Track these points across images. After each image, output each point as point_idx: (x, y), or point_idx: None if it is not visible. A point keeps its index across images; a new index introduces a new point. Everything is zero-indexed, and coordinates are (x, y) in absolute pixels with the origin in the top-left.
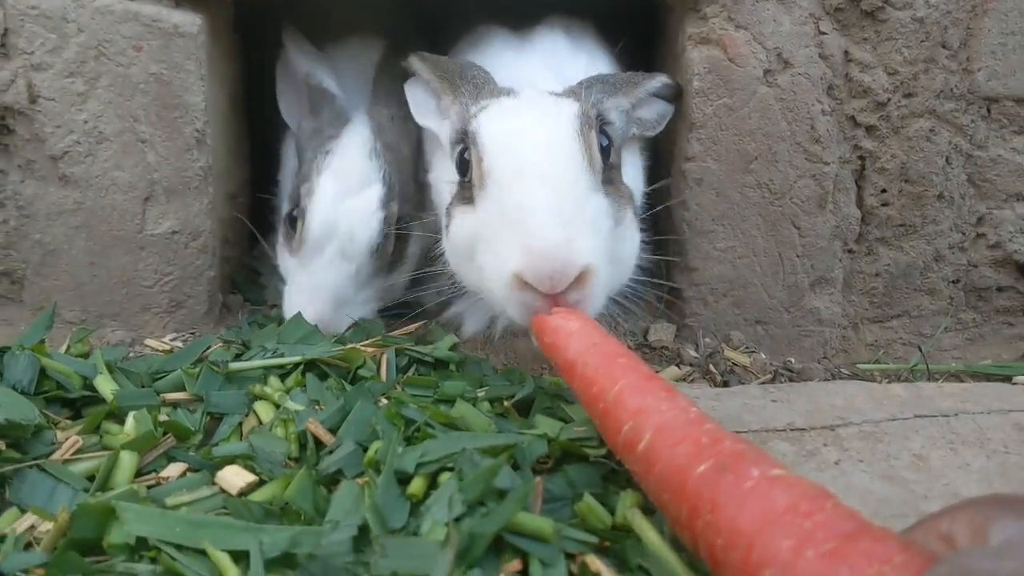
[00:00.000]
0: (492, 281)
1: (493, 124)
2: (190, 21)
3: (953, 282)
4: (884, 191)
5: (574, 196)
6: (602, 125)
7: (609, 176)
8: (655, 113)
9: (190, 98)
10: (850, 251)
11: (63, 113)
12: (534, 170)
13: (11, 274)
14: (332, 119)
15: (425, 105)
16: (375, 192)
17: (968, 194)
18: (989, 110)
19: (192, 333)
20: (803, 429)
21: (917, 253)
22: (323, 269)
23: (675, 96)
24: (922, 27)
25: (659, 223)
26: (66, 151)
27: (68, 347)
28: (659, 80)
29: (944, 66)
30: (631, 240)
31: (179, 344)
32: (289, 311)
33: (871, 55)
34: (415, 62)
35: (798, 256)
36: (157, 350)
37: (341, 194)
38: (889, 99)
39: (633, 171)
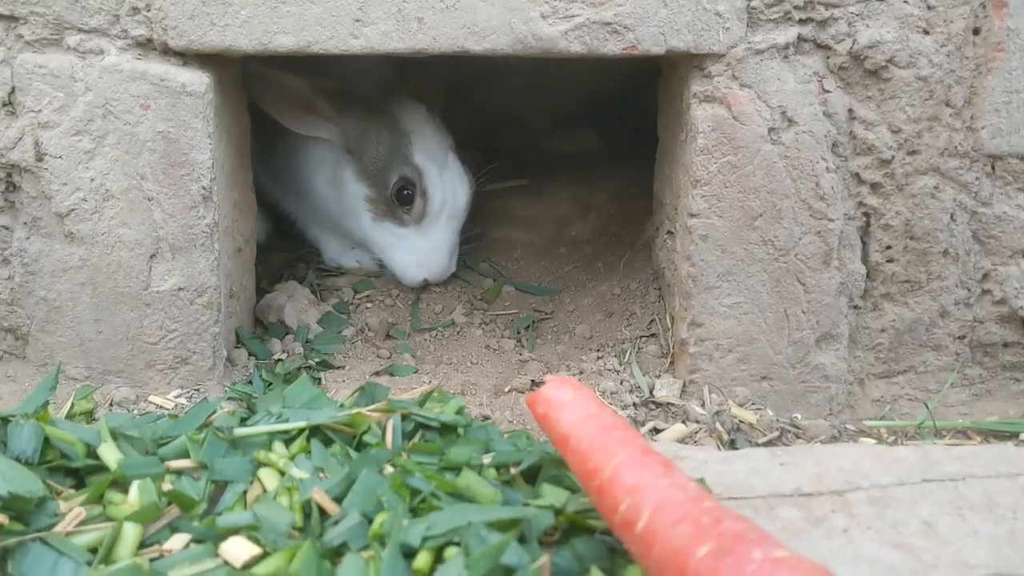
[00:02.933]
0: (408, 276)
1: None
2: (198, 80)
3: (959, 338)
4: (889, 247)
5: None
6: None
7: None
8: None
9: (197, 156)
10: (855, 307)
11: (70, 171)
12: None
13: (16, 330)
14: (368, 115)
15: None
16: (458, 162)
17: (973, 250)
18: (994, 167)
19: (197, 389)
20: (811, 494)
21: (923, 309)
22: (441, 231)
23: None
24: (926, 86)
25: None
26: (72, 208)
27: (72, 404)
28: None
29: (948, 124)
30: None
31: (183, 401)
32: (405, 270)
33: (875, 113)
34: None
35: (803, 312)
36: (161, 407)
37: (441, 168)
38: (893, 156)
39: None
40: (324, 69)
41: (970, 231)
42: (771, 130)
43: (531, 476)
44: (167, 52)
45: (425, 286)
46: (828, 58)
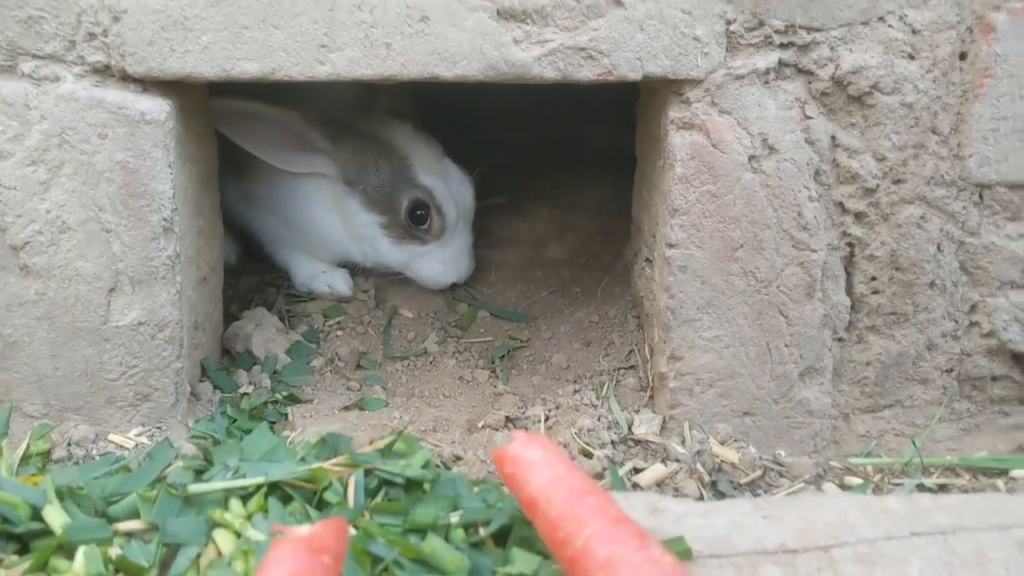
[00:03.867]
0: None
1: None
2: (158, 108)
3: (946, 371)
4: (874, 279)
5: None
6: None
7: None
8: None
9: (157, 186)
10: (840, 340)
11: (24, 202)
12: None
13: None
14: (361, 143)
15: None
16: (454, 166)
17: (961, 282)
18: (981, 196)
19: (158, 427)
20: (795, 551)
21: (909, 342)
22: (461, 237)
23: None
24: (911, 112)
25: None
26: (27, 241)
27: (28, 445)
28: None
29: (934, 152)
30: None
31: (144, 440)
32: (434, 278)
33: (859, 140)
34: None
35: (786, 345)
36: (122, 446)
37: (445, 180)
38: (878, 185)
39: None
40: (291, 96)
41: (957, 262)
42: (751, 158)
43: (501, 536)
44: (126, 79)
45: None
46: (810, 84)
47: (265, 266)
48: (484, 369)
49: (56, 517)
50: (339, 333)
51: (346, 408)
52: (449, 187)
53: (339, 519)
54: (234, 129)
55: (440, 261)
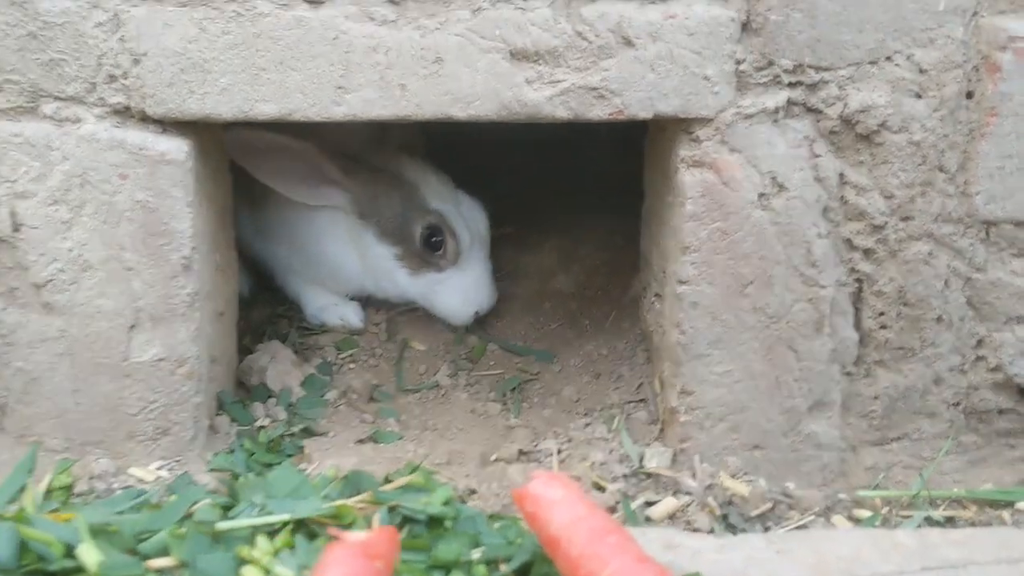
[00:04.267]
0: (459, 315)
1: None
2: (177, 148)
3: (953, 405)
4: (882, 314)
5: None
6: None
7: None
8: None
9: (177, 225)
10: (848, 374)
11: (47, 241)
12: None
13: None
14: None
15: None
16: (466, 196)
17: (967, 317)
18: (988, 233)
19: (178, 460)
20: None
21: (916, 376)
22: (478, 263)
23: None
24: (919, 150)
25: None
26: (50, 279)
27: (51, 481)
28: None
29: (942, 189)
30: None
31: (164, 473)
32: (454, 311)
33: (867, 178)
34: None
35: (795, 380)
36: (142, 480)
37: (456, 206)
38: (886, 222)
39: None
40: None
41: (964, 297)
42: (761, 195)
43: (522, 573)
44: (145, 120)
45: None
46: (819, 122)
47: (276, 298)
48: (496, 402)
49: (90, 555)
50: (352, 366)
51: (361, 441)
52: (461, 212)
53: (391, 528)
54: (249, 160)
55: (460, 290)
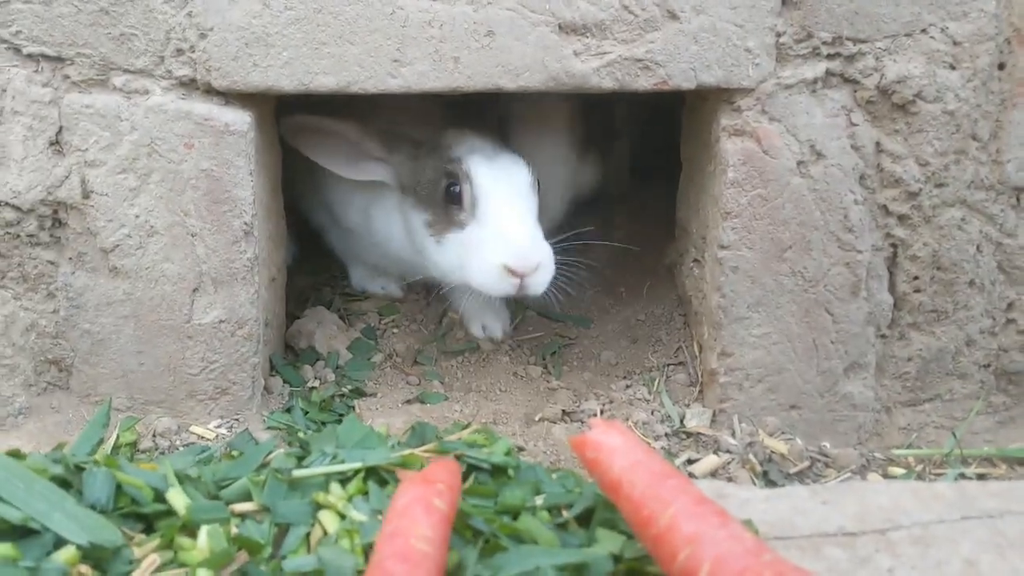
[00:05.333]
0: (485, 274)
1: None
2: (240, 119)
3: (984, 366)
4: (916, 278)
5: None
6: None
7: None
8: None
9: (239, 192)
10: (883, 336)
11: (115, 208)
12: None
13: (59, 362)
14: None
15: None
16: (514, 156)
17: (998, 280)
18: (1019, 199)
19: (236, 419)
20: (854, 534)
21: (949, 338)
22: (507, 212)
23: None
24: (952, 120)
25: (690, 300)
26: (117, 244)
27: (117, 436)
28: None
29: (974, 157)
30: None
31: (223, 431)
32: (483, 272)
33: (902, 146)
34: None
35: (832, 342)
36: (203, 437)
37: (489, 157)
38: (921, 189)
39: None
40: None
41: (995, 261)
42: (800, 163)
43: (583, 519)
44: (210, 92)
45: (523, 296)
46: (856, 92)
47: (320, 266)
48: (536, 365)
49: (179, 499)
50: (395, 331)
51: (408, 402)
52: (493, 163)
53: (450, 460)
54: (301, 141)
55: (483, 246)
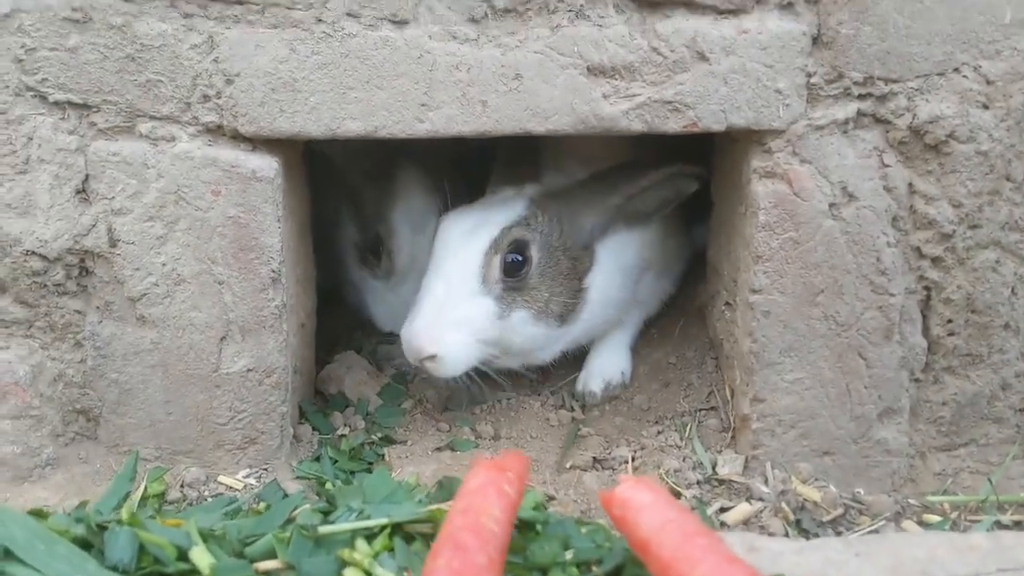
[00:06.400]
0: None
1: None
2: (267, 165)
3: (1020, 410)
4: (950, 321)
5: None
6: (516, 248)
7: (516, 284)
8: (656, 201)
9: (266, 239)
10: (917, 380)
11: (142, 256)
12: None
13: (87, 412)
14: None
15: None
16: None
17: None
18: None
19: (265, 468)
20: None
21: (984, 382)
22: (412, 291)
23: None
24: (986, 160)
25: (721, 345)
26: (144, 293)
27: (145, 488)
28: (665, 170)
29: (1008, 198)
30: (520, 332)
31: (252, 481)
32: (378, 318)
33: (935, 187)
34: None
35: (865, 387)
36: (231, 487)
37: (418, 231)
38: (954, 231)
39: (610, 265)
40: None
41: None
42: (832, 205)
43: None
44: (237, 138)
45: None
46: (888, 132)
47: (349, 308)
48: (567, 411)
49: (203, 558)
50: (425, 376)
51: (439, 449)
52: (417, 240)
53: (520, 453)
54: None
55: (384, 304)
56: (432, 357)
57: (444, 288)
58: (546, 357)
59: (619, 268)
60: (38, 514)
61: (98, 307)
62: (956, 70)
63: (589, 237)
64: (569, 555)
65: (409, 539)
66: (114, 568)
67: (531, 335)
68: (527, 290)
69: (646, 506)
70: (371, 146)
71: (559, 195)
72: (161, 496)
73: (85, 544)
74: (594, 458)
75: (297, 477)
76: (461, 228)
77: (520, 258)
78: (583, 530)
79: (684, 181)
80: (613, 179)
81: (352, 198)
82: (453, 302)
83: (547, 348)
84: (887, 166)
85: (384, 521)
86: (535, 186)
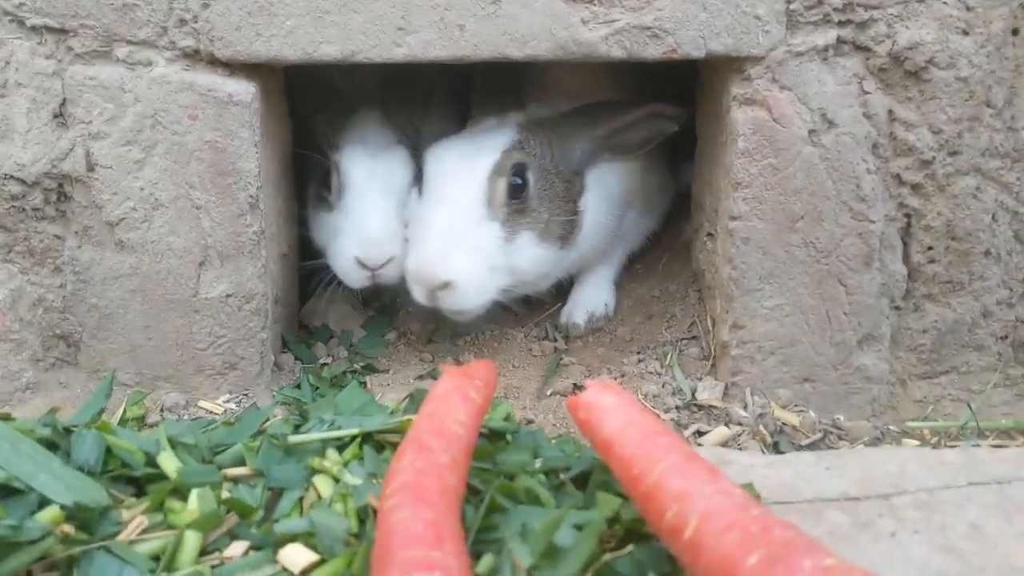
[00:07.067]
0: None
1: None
2: (244, 90)
3: (1001, 338)
4: (930, 248)
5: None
6: (517, 171)
7: (519, 207)
8: (638, 137)
9: (244, 164)
10: (897, 308)
11: (120, 180)
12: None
13: (67, 337)
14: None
15: None
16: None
17: (1015, 250)
18: None
19: (245, 394)
20: (857, 498)
21: (964, 309)
22: (369, 205)
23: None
24: (966, 86)
25: (703, 275)
26: (122, 217)
27: (124, 410)
28: (647, 108)
29: (989, 124)
30: (526, 255)
31: (232, 406)
32: (339, 261)
33: (915, 114)
34: None
35: (845, 314)
36: (211, 412)
37: (373, 151)
38: (934, 157)
39: (597, 192)
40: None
41: (1011, 231)
42: (811, 132)
43: (580, 482)
44: (214, 63)
45: (374, 289)
46: (868, 60)
47: None
48: (550, 341)
49: (170, 463)
50: (410, 309)
51: (420, 377)
52: (375, 158)
53: (489, 361)
54: None
55: (340, 234)
56: (447, 285)
57: (448, 215)
58: (546, 285)
59: (606, 196)
60: (4, 417)
61: (77, 232)
62: None
63: (579, 163)
64: (537, 463)
65: (380, 448)
66: (80, 469)
67: (537, 258)
68: (528, 212)
69: (609, 408)
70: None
71: (545, 123)
72: (141, 419)
73: (51, 445)
74: (575, 384)
75: (278, 403)
76: (457, 155)
77: (520, 181)
78: (553, 441)
79: (665, 122)
80: (597, 112)
81: (319, 134)
82: (460, 229)
83: (550, 274)
84: (867, 93)
85: (355, 431)
86: (519, 114)
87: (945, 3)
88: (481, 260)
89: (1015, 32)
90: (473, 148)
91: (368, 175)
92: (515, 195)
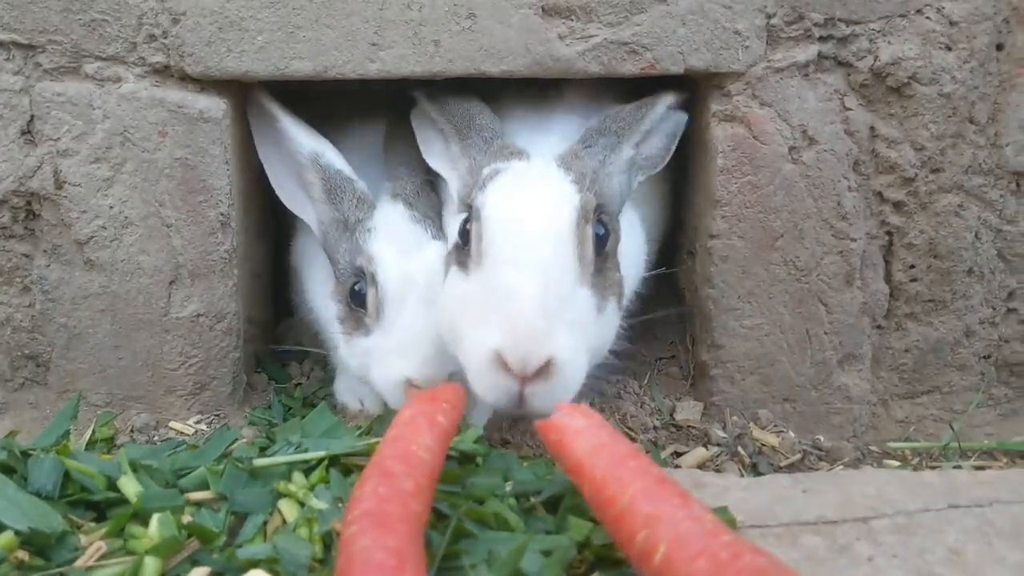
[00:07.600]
0: (471, 354)
1: (498, 208)
2: (215, 106)
3: (984, 357)
4: (912, 267)
5: (559, 290)
6: (600, 215)
7: (601, 266)
8: (662, 142)
9: (215, 182)
10: (879, 327)
11: (88, 198)
12: (530, 261)
13: (36, 357)
14: (355, 206)
15: (432, 146)
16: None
17: (998, 269)
18: (1018, 184)
19: (217, 415)
20: (835, 522)
21: (947, 329)
22: (410, 317)
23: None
24: (949, 102)
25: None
26: (92, 236)
27: (93, 431)
28: (662, 104)
29: (972, 141)
30: (609, 328)
31: (203, 427)
32: (384, 384)
33: (897, 131)
34: (422, 100)
35: (826, 333)
36: (182, 433)
37: (406, 251)
38: (916, 175)
39: (628, 233)
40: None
41: (995, 249)
42: (792, 149)
43: (552, 505)
44: (184, 79)
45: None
46: (849, 75)
47: None
48: None
49: (131, 486)
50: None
51: None
52: (409, 259)
53: (457, 384)
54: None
55: (384, 358)
56: (548, 366)
57: (537, 281)
58: None
59: (633, 236)
60: None
61: (45, 251)
62: (919, 11)
63: (621, 197)
64: (509, 487)
65: (347, 472)
66: (37, 494)
67: (615, 330)
68: (610, 271)
69: (580, 431)
70: None
71: (567, 156)
72: (110, 441)
73: (8, 470)
74: None
75: (250, 423)
76: (527, 195)
77: (604, 230)
78: (524, 464)
79: (677, 115)
80: (610, 127)
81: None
82: (555, 297)
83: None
84: (848, 109)
85: (321, 454)
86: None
87: (928, 18)
88: (582, 339)
89: (999, 47)
90: (542, 182)
91: (402, 285)
92: (599, 248)
